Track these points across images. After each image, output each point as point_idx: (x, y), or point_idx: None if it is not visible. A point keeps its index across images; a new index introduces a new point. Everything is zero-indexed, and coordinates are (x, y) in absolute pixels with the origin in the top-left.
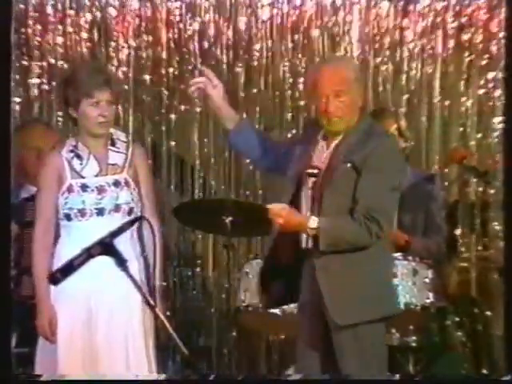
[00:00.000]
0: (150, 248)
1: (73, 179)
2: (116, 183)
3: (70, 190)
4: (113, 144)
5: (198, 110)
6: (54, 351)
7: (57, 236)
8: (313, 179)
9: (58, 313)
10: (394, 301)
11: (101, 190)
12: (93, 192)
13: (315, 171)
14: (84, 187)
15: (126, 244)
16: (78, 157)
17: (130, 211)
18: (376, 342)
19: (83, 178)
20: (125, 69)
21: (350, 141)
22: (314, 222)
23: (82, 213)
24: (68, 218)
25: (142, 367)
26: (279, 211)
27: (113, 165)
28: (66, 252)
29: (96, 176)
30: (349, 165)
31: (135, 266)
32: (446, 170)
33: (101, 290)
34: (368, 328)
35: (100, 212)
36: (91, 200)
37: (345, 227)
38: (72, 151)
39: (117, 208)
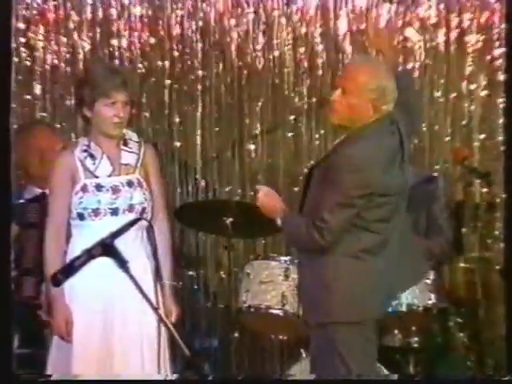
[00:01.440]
0: (158, 248)
1: (87, 179)
2: (129, 183)
3: (84, 189)
4: (125, 144)
5: (201, 110)
6: (68, 350)
7: (68, 235)
8: None
9: (73, 313)
10: (368, 308)
11: (115, 189)
12: (108, 192)
13: None
14: (99, 187)
15: (135, 244)
16: (91, 156)
17: (143, 211)
18: (353, 345)
19: (97, 177)
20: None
21: (334, 145)
22: (281, 214)
23: (96, 213)
24: (81, 217)
25: (156, 367)
26: (259, 191)
27: (125, 165)
28: (78, 251)
29: (109, 176)
30: (320, 169)
31: (147, 266)
32: (448, 170)
33: (116, 290)
34: (337, 330)
35: (114, 212)
36: (106, 200)
37: (297, 226)
38: (85, 151)
39: (130, 208)
